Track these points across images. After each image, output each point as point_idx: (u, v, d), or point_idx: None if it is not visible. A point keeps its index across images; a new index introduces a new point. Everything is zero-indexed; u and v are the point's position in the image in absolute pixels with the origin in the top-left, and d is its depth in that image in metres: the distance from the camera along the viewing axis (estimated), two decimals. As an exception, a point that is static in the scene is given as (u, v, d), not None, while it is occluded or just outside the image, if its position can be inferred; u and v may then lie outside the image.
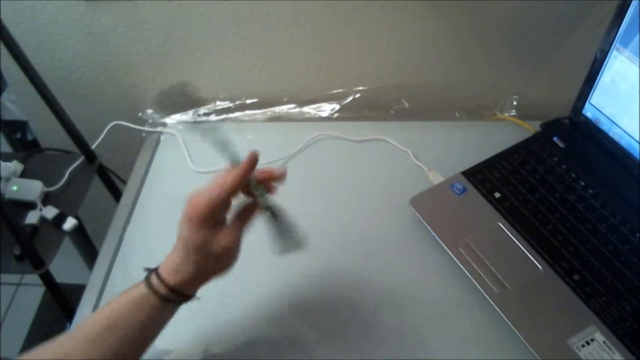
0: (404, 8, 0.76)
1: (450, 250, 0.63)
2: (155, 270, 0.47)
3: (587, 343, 0.55)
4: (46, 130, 0.98)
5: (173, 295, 0.47)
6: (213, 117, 0.89)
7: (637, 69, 0.62)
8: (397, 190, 0.72)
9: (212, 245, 0.46)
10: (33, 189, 0.82)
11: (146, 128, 0.88)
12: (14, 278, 1.48)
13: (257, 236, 0.70)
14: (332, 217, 0.72)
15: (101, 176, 0.95)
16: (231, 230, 0.48)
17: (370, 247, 0.68)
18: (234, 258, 0.50)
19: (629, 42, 0.63)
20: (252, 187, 0.49)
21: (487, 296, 0.59)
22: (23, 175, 0.87)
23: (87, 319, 0.47)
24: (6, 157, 0.87)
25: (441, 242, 0.65)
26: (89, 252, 1.11)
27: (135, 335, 0.46)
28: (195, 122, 0.89)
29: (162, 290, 0.46)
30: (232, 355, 0.58)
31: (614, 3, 0.64)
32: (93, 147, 0.88)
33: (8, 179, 0.84)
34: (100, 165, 0.91)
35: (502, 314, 0.57)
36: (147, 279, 0.47)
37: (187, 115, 0.89)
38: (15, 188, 0.82)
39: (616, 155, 0.69)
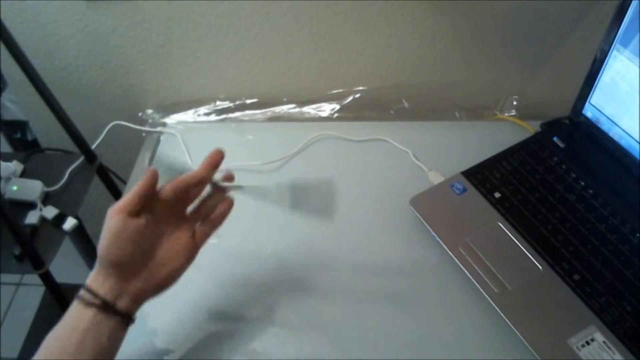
0: (404, 8, 0.76)
1: (450, 250, 0.63)
2: (83, 287, 0.47)
3: (587, 343, 0.55)
4: (46, 130, 0.98)
5: (99, 301, 0.46)
6: (213, 117, 0.89)
7: (637, 69, 0.62)
8: (397, 190, 0.72)
9: (144, 235, 0.48)
10: (33, 189, 0.82)
11: (146, 128, 0.88)
12: (14, 278, 1.48)
13: (258, 238, 0.70)
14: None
15: (101, 176, 0.95)
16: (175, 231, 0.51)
17: (370, 247, 0.68)
18: (174, 264, 0.51)
19: (629, 42, 0.63)
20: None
21: (487, 296, 0.59)
22: (23, 175, 0.87)
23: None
24: (6, 157, 0.87)
25: (441, 242, 0.65)
26: (89, 252, 1.11)
27: None
28: (196, 122, 0.89)
29: (88, 297, 0.46)
30: (232, 355, 0.58)
31: (614, 3, 0.64)
32: (93, 147, 0.88)
33: (8, 179, 0.84)
34: (100, 165, 0.91)
35: (502, 314, 0.57)
36: (77, 295, 0.47)
37: (187, 115, 0.89)
38: (15, 188, 0.82)
39: (616, 155, 0.69)
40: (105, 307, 0.46)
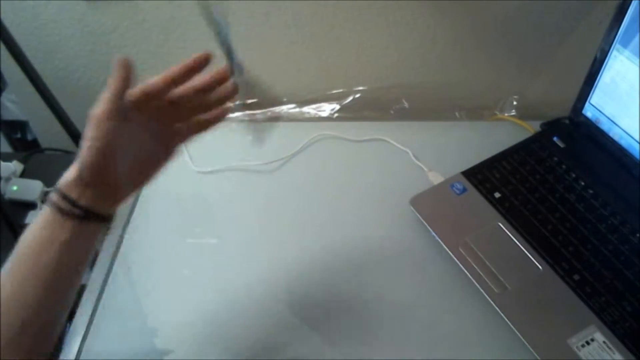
0: (404, 8, 0.76)
1: (450, 250, 0.63)
2: (56, 190, 0.43)
3: (587, 343, 0.55)
4: (46, 130, 0.98)
5: (81, 212, 0.42)
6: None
7: (637, 69, 0.62)
8: (397, 190, 0.72)
9: (131, 139, 0.44)
10: (33, 189, 0.82)
11: (146, 128, 0.88)
12: (14, 278, 1.48)
13: (259, 239, 0.70)
14: (332, 217, 0.72)
15: (101, 176, 0.95)
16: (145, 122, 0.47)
17: (370, 247, 0.68)
18: (155, 166, 0.48)
19: (629, 42, 0.63)
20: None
21: (487, 296, 0.59)
22: (23, 175, 0.87)
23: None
24: (6, 157, 0.87)
25: (441, 242, 0.64)
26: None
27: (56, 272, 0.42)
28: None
29: (68, 207, 0.42)
30: (232, 355, 0.58)
31: (614, 3, 0.64)
32: (93, 147, 0.88)
33: (8, 179, 0.84)
34: (100, 165, 0.91)
35: (502, 314, 0.57)
36: (52, 203, 0.43)
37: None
38: (15, 188, 0.82)
39: (616, 155, 0.69)
40: (87, 216, 0.43)
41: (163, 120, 0.48)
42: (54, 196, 0.43)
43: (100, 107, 0.43)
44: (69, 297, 0.45)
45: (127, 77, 0.44)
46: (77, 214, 0.43)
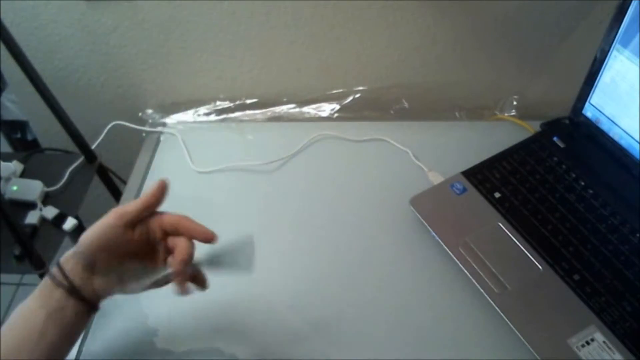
0: (404, 8, 0.76)
1: (450, 250, 0.63)
2: (57, 264, 0.47)
3: (587, 343, 0.55)
4: (46, 130, 0.98)
5: (68, 284, 0.46)
6: (213, 117, 0.89)
7: (637, 69, 0.62)
8: (397, 190, 0.72)
9: (129, 248, 0.48)
10: (33, 189, 0.82)
11: (146, 128, 0.88)
12: (14, 278, 1.48)
13: (259, 239, 0.70)
14: (331, 217, 0.72)
15: (101, 176, 0.95)
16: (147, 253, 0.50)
17: (370, 247, 0.68)
18: (137, 279, 0.50)
19: (629, 42, 0.63)
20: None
21: (487, 296, 0.59)
22: (23, 175, 0.87)
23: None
24: (6, 157, 0.87)
25: (441, 242, 0.65)
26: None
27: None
28: (196, 122, 0.89)
29: (60, 277, 0.46)
30: (232, 355, 0.58)
31: (614, 3, 0.64)
32: (93, 147, 0.88)
33: (8, 179, 0.84)
34: (100, 165, 0.91)
35: (502, 314, 0.57)
36: (49, 272, 0.47)
37: (187, 115, 0.89)
38: (15, 188, 0.82)
39: (616, 155, 0.69)
40: (72, 291, 0.46)
41: (141, 252, 0.51)
42: (53, 267, 0.47)
43: (129, 207, 0.48)
44: None
45: (161, 198, 0.50)
46: (64, 285, 0.46)
